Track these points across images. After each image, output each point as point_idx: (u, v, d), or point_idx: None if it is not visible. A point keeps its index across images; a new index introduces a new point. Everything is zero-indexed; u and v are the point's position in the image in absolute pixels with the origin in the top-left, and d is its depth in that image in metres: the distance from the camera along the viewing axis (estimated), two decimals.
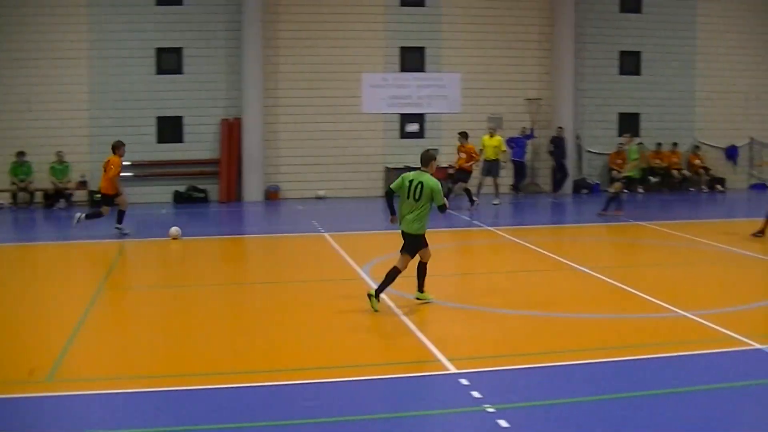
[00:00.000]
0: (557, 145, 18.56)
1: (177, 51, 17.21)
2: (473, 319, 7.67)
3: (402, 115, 18.27)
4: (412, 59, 18.25)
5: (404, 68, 18.21)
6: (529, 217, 15.94)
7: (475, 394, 5.45)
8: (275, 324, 7.42)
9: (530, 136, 18.30)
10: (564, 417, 5.13)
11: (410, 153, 17.53)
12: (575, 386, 5.71)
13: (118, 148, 12.17)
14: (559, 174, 18.77)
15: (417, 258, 7.88)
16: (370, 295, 7.54)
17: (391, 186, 7.81)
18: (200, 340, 6.89)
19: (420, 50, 18.23)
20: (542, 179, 19.06)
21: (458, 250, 12.09)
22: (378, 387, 5.77)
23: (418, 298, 7.94)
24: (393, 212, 7.87)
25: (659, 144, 19.45)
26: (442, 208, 7.68)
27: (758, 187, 20.13)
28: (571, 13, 18.52)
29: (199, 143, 17.38)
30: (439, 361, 6.22)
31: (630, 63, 19.40)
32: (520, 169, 18.42)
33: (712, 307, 7.89)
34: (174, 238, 11.93)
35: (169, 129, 17.23)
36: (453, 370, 5.99)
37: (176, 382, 5.70)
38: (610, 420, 5.06)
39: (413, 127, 18.34)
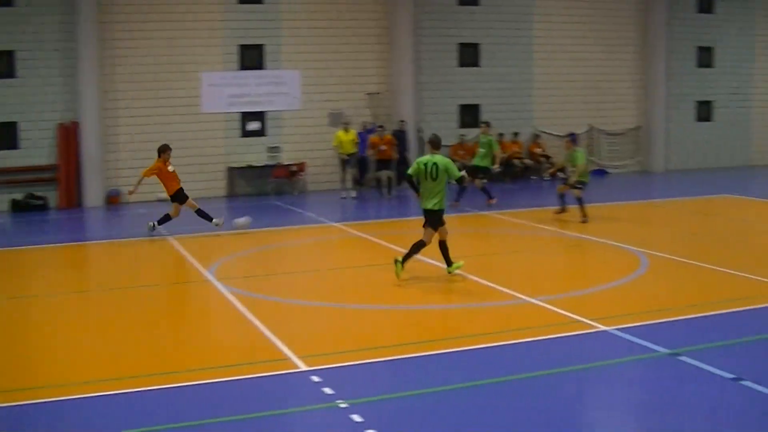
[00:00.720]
0: (399, 138, 25.97)
1: (8, 54, 22.05)
2: (322, 315, 10.02)
3: (243, 113, 24.49)
4: (252, 57, 24.81)
5: (244, 66, 24.50)
6: (374, 212, 20.46)
7: (327, 390, 7.09)
8: (120, 331, 9.37)
9: (372, 131, 25.54)
10: (417, 408, 6.81)
11: (252, 152, 24.34)
12: (426, 377, 7.59)
13: None
14: (401, 167, 26.19)
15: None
16: (396, 261, 11.40)
17: (409, 172, 11.69)
18: (37, 351, 8.67)
19: (259, 48, 24.76)
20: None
21: (304, 247, 15.61)
22: (230, 389, 7.36)
23: (449, 272, 11.59)
24: (417, 191, 11.61)
25: (500, 134, 27.18)
26: (460, 180, 11.74)
27: (598, 172, 28.59)
28: (410, 6, 24.95)
29: (36, 149, 22.53)
30: (289, 359, 8.07)
31: (469, 55, 26.98)
32: (363, 164, 25.77)
33: (557, 292, 10.78)
34: (242, 228, 16.61)
35: (4, 135, 22.03)
36: (304, 367, 7.78)
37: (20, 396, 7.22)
38: (462, 408, 6.70)
39: (254, 126, 25.22)
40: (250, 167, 23.90)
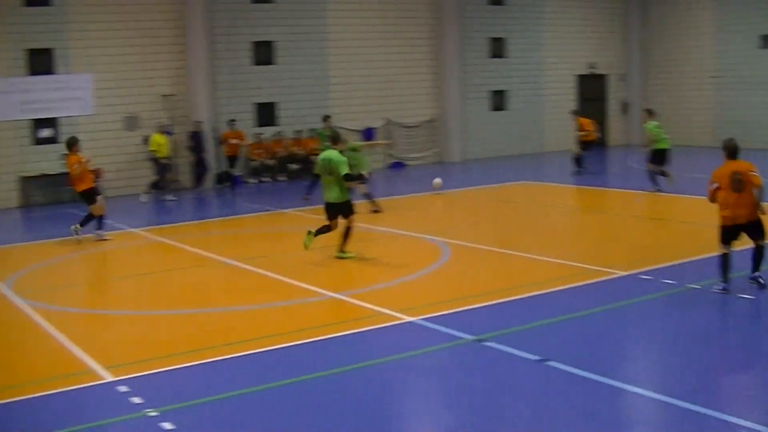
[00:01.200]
0: (196, 139, 31.31)
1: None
2: (125, 324, 11.46)
3: (34, 120, 28.68)
4: (41, 62, 29.23)
5: (32, 71, 28.33)
6: (173, 215, 23.56)
7: (136, 399, 8.17)
8: None
9: (168, 133, 30.69)
10: (230, 411, 7.99)
11: (46, 159, 29.06)
12: (238, 379, 8.86)
13: None
14: (199, 169, 31.81)
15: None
16: (309, 232, 15.03)
17: (315, 171, 15.35)
18: None
19: (48, 52, 29.72)
20: (183, 175, 32.04)
21: (103, 255, 17.59)
22: (35, 406, 8.39)
23: (340, 257, 14.91)
24: (308, 192, 16.32)
25: (298, 131, 33.44)
26: (345, 178, 14.59)
27: (396, 165, 35.41)
28: (203, 5, 29.64)
29: None
30: (94, 371, 9.15)
31: (263, 53, 32.71)
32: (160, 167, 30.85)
33: (362, 286, 12.88)
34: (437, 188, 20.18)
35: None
36: (110, 378, 8.85)
37: None
38: (275, 408, 8.16)
39: (47, 133, 29.92)
40: (44, 176, 27.73)
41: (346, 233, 15.57)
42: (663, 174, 23.36)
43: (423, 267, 14.81)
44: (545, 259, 15.31)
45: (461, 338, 10.44)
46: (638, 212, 21.66)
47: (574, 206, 22.53)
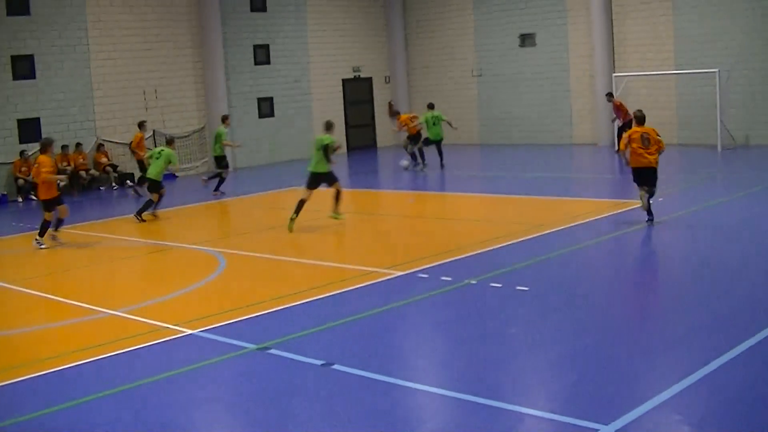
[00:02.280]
0: None
1: None
2: None
3: None
4: None
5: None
6: None
7: None
8: None
9: None
10: None
11: None
12: (13, 407, 8.87)
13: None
14: None
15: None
16: (291, 219, 18.49)
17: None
18: None
19: None
20: None
21: None
22: None
23: (334, 218, 18.82)
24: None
25: (64, 146, 32.40)
26: (325, 149, 18.71)
27: (168, 176, 34.67)
28: None
29: None
30: None
31: (23, 67, 31.64)
32: None
33: (139, 302, 12.72)
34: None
35: None
36: None
37: None
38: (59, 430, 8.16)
39: None
40: None
41: (337, 196, 19.05)
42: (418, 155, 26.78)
43: (200, 278, 14.75)
44: (323, 263, 15.57)
45: (244, 347, 10.44)
46: (411, 212, 22.01)
47: (347, 209, 22.85)
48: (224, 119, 27.87)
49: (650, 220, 17.32)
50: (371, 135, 40.41)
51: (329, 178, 18.93)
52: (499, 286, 13.09)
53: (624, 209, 19.13)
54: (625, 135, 17.54)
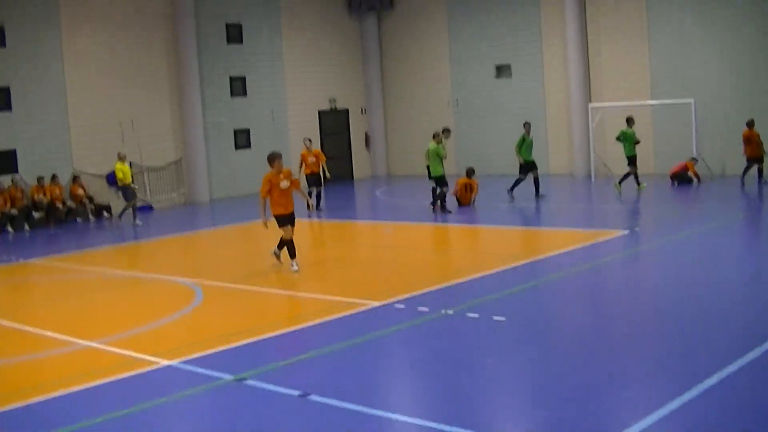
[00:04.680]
0: None
1: None
2: None
3: None
4: None
5: None
6: None
7: None
8: None
9: None
10: None
11: None
12: None
13: None
14: None
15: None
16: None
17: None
18: None
19: None
20: None
21: None
22: None
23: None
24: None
25: (40, 178, 32.37)
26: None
27: (144, 208, 34.79)
28: None
29: None
30: None
31: (0, 99, 31.85)
32: None
33: (115, 333, 12.74)
34: None
35: None
36: None
37: None
38: None
39: None
40: None
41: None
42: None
43: (177, 309, 14.76)
44: (300, 294, 15.78)
45: (220, 378, 10.43)
46: (389, 242, 22.04)
47: (323, 240, 22.99)
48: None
49: None
50: (348, 166, 40.49)
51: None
52: (476, 316, 13.17)
53: (599, 240, 19.27)
54: None
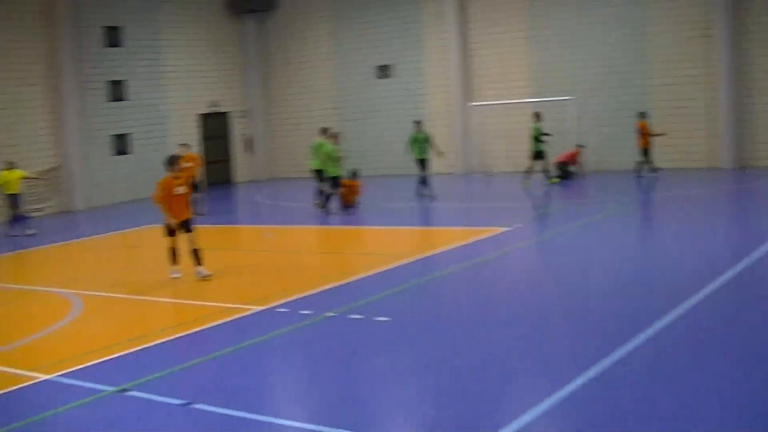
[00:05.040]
0: None
1: None
2: None
3: None
4: None
5: None
6: None
7: None
8: None
9: None
10: None
11: None
12: None
13: None
14: None
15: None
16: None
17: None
18: None
19: None
20: None
21: None
22: None
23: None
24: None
25: None
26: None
27: (20, 218, 33.89)
28: None
29: None
30: None
31: None
32: None
33: None
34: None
35: None
36: None
37: None
38: None
39: None
40: None
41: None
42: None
43: (55, 321, 14.38)
44: (183, 301, 15.57)
45: (102, 391, 10.23)
46: (271, 246, 22.04)
47: (204, 245, 22.73)
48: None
49: None
50: (227, 171, 40.18)
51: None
52: (360, 317, 13.21)
53: (480, 237, 19.47)
54: None
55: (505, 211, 24.15)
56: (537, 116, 29.36)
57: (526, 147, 30.81)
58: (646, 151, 29.39)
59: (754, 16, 30.44)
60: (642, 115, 29.75)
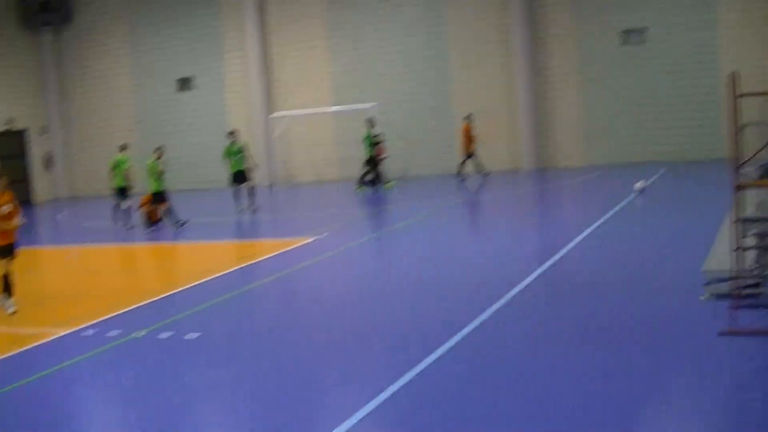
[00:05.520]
0: None
1: None
2: None
3: None
4: None
5: None
6: None
7: None
8: None
9: None
10: None
11: None
12: None
13: None
14: None
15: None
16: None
17: None
18: None
19: None
20: None
21: None
22: None
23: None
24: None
25: None
26: None
27: None
28: None
29: None
30: None
31: None
32: None
33: None
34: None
35: None
36: None
37: None
38: None
39: None
40: None
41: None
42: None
43: None
44: None
45: None
46: (76, 267, 21.19)
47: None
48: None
49: None
50: (26, 191, 38.67)
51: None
52: (170, 335, 12.92)
53: (290, 248, 19.40)
54: None
55: (315, 221, 24.07)
56: (370, 122, 29.40)
57: (331, 156, 30.84)
58: (471, 155, 29.83)
59: (548, 22, 31.40)
60: (467, 118, 30.18)
